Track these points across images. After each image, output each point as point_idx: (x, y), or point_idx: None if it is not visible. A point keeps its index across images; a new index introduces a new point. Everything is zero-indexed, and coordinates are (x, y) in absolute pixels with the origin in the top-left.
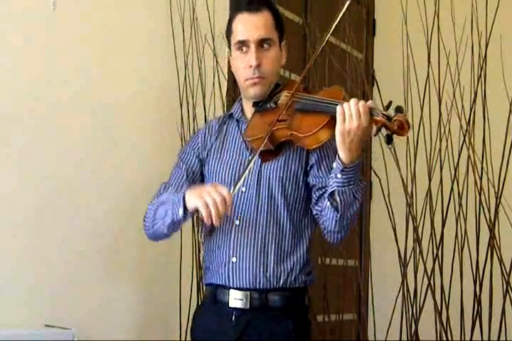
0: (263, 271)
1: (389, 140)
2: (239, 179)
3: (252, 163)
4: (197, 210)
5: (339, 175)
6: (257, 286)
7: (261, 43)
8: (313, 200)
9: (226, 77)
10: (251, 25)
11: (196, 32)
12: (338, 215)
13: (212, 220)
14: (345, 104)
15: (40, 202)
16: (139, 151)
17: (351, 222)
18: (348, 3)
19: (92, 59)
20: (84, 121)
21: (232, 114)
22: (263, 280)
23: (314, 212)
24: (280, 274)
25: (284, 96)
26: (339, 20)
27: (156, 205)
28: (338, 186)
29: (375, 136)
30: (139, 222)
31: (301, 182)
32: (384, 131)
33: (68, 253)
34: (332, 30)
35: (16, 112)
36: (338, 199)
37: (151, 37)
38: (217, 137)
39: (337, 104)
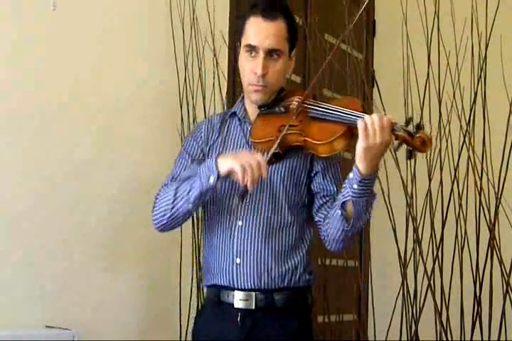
0: (267, 271)
1: (410, 155)
2: (270, 148)
3: (284, 131)
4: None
5: (355, 186)
6: (262, 286)
7: (270, 53)
8: (316, 207)
9: (226, 77)
10: (264, 33)
11: (196, 33)
12: (348, 225)
13: (247, 183)
14: (369, 119)
15: (40, 202)
16: (139, 152)
17: (356, 233)
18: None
19: (91, 59)
20: (83, 122)
21: (235, 112)
22: (268, 280)
23: (316, 218)
24: (285, 274)
25: (295, 102)
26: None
27: (176, 186)
28: (354, 197)
29: (395, 151)
30: (139, 223)
31: (303, 187)
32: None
33: (69, 254)
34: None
35: (16, 112)
36: (350, 209)
37: (151, 38)
38: (218, 135)
39: (357, 116)
